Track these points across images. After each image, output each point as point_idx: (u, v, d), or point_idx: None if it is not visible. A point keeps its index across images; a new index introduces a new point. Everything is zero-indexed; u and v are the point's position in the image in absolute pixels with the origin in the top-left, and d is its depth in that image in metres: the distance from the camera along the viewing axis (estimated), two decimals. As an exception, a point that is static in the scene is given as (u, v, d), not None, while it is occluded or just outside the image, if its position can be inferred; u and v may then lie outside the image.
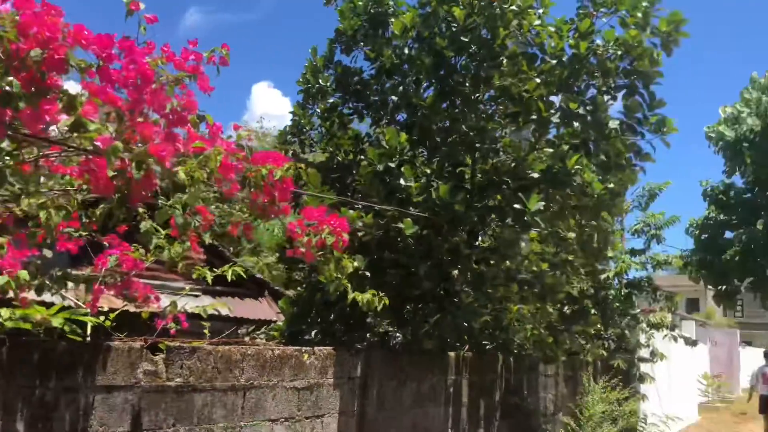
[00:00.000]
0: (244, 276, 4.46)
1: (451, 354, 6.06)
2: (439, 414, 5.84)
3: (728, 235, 11.39)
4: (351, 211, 4.81)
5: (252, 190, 3.03)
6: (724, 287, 11.29)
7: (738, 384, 28.81)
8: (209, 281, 3.79)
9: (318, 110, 6.65)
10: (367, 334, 5.82)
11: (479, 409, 6.52)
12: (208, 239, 3.16)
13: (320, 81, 6.29)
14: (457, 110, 5.75)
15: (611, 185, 5.97)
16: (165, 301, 3.64)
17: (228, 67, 2.75)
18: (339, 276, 3.41)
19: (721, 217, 11.35)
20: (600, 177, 5.81)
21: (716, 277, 11.11)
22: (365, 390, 4.93)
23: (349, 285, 3.77)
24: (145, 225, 3.18)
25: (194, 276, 3.78)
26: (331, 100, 6.55)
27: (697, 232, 11.34)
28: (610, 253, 8.00)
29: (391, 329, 5.77)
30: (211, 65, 2.68)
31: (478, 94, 5.68)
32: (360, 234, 4.86)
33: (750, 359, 31.39)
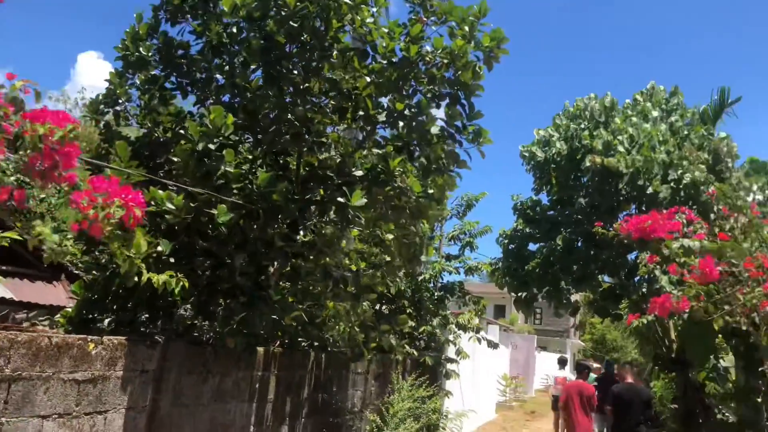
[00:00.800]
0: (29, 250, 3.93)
1: (260, 349, 5.87)
2: (242, 410, 5.62)
3: (532, 247, 12.37)
4: (160, 192, 4.44)
5: (28, 152, 2.64)
6: (524, 294, 12.25)
7: (532, 385, 31.79)
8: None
9: (137, 81, 6.11)
10: (174, 326, 5.44)
11: (286, 405, 6.40)
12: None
13: (141, 50, 5.77)
14: (286, 98, 5.59)
15: (431, 191, 6.19)
16: None
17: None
18: (131, 255, 3.08)
19: (527, 230, 12.30)
20: (421, 180, 5.99)
21: (518, 285, 12.03)
22: (160, 383, 4.58)
23: (143, 266, 3.44)
24: None
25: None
26: (152, 72, 6.04)
27: (505, 242, 12.20)
28: (424, 258, 8.34)
29: (196, 321, 5.44)
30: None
31: (308, 84, 5.57)
32: (168, 216, 4.51)
33: (544, 363, 34.84)
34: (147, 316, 5.17)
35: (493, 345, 11.87)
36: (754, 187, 8.72)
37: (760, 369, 6.57)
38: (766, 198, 8.84)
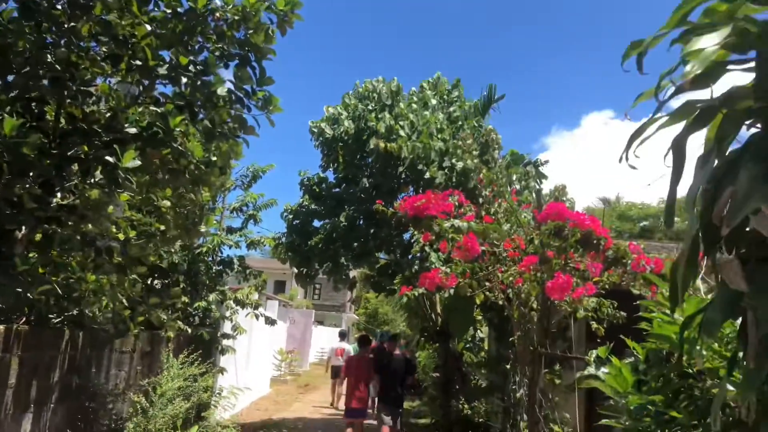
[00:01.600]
0: None
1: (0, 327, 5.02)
2: (-29, 399, 4.77)
3: (316, 223, 12.44)
4: None
5: None
6: (306, 270, 12.31)
7: (308, 359, 32.51)
8: None
9: None
10: None
11: (31, 390, 5.58)
12: None
13: None
14: (46, 37, 4.78)
15: (215, 158, 5.80)
16: None
17: None
18: None
19: (313, 206, 12.32)
20: (203, 144, 5.58)
21: (301, 260, 12.05)
22: None
23: None
24: None
25: None
26: None
27: (290, 217, 12.12)
28: (203, 229, 7.88)
29: None
30: None
31: (74, 24, 4.82)
32: None
33: (320, 336, 35.83)
34: None
35: (270, 321, 11.74)
36: (514, 177, 9.73)
37: (510, 339, 7.37)
38: (523, 187, 9.95)
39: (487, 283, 6.27)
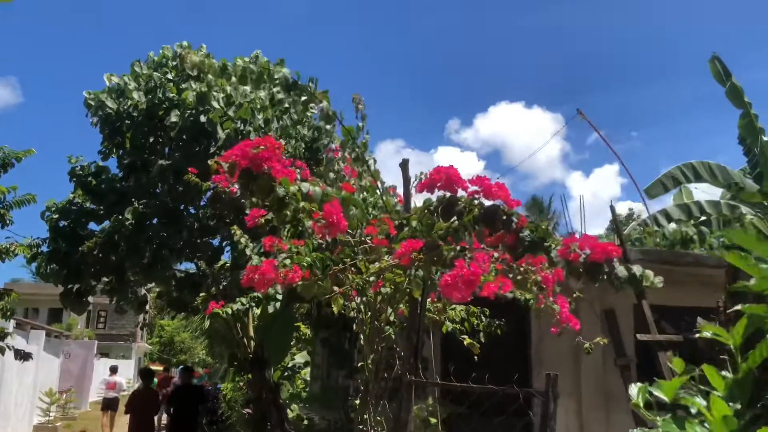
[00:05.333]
0: None
1: None
2: None
3: (94, 226, 9.61)
4: None
5: None
6: (76, 287, 9.37)
7: (88, 398, 27.73)
8: None
9: None
10: None
11: None
12: None
13: None
14: None
15: None
16: None
17: None
18: None
19: (89, 204, 9.49)
20: None
21: (69, 274, 9.12)
22: None
23: None
24: None
25: None
26: None
27: (54, 218, 9.17)
28: None
29: None
30: None
31: None
32: None
33: (103, 370, 31.04)
34: None
35: (23, 356, 8.64)
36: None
37: (360, 364, 5.56)
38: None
39: (335, 288, 4.41)
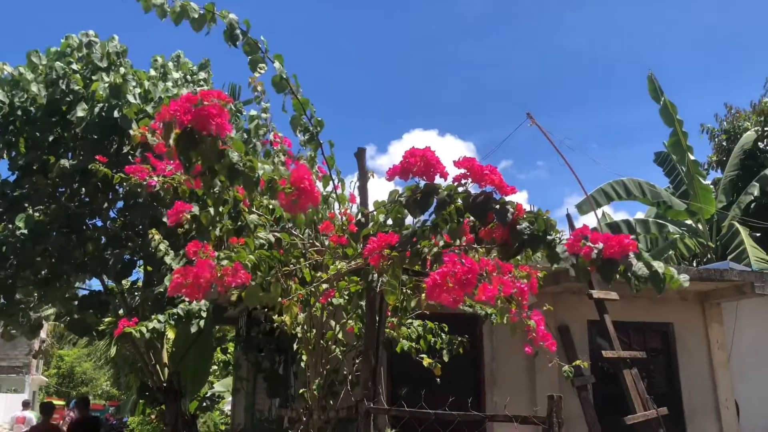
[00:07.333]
0: None
1: None
2: None
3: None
4: None
5: None
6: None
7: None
8: None
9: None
10: None
11: None
12: None
13: None
14: None
15: None
16: None
17: None
18: None
19: (-27, 214, 8.17)
20: None
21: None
22: None
23: None
24: None
25: None
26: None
27: (-71, 229, 7.79)
28: None
29: None
30: None
31: None
32: None
33: (4, 405, 28.14)
34: None
35: None
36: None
37: (301, 391, 4.71)
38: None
39: (288, 282, 3.63)
